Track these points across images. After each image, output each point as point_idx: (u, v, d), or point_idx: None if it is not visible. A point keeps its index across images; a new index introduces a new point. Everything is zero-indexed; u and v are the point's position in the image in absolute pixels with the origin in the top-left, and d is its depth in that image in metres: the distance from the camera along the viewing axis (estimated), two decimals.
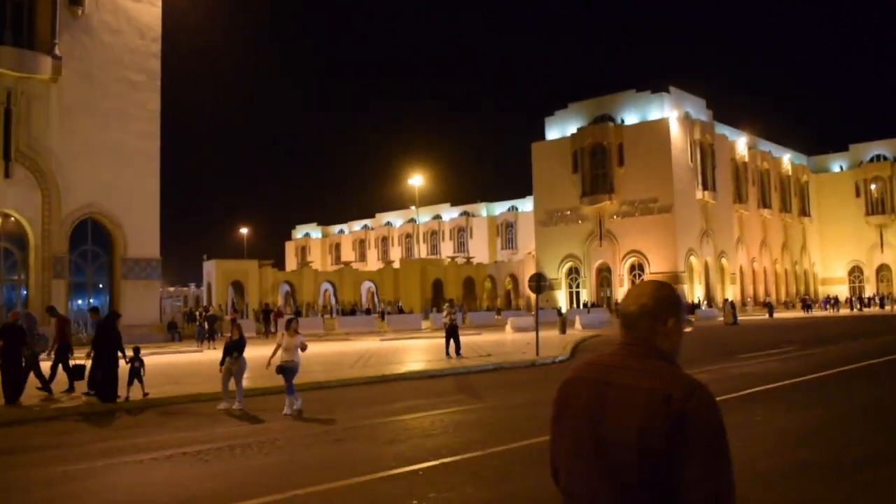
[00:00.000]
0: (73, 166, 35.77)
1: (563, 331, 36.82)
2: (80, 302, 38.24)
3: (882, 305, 70.47)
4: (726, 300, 58.14)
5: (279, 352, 13.49)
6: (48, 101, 35.51)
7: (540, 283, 23.71)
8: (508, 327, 41.15)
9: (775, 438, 9.99)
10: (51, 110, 35.61)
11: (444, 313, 25.64)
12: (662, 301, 2.41)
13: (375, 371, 19.97)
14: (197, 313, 40.51)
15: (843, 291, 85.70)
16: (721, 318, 52.53)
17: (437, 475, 8.23)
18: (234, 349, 13.73)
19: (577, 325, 42.88)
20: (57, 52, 35.44)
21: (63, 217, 35.74)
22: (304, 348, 13.47)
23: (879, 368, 19.28)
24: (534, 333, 25.68)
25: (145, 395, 14.97)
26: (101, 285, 38.52)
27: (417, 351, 28.23)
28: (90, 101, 36.68)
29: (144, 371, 15.08)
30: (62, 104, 35.86)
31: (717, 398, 2.25)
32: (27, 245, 35.30)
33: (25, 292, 35.47)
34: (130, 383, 14.79)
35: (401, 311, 60.75)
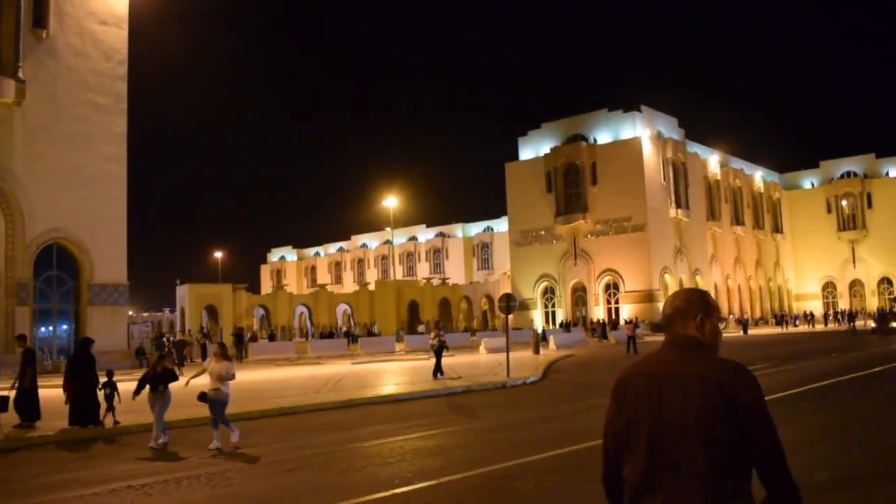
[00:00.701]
0: (37, 191, 35.07)
1: (536, 351, 36.52)
2: (50, 328, 37.44)
3: (849, 321, 70.48)
4: None
5: (205, 377, 12.40)
6: (12, 125, 34.83)
7: (509, 303, 23.49)
8: (482, 348, 40.84)
9: None
10: (14, 134, 34.92)
11: (433, 335, 25.82)
12: (691, 301, 2.79)
13: (342, 396, 19.55)
14: (164, 340, 39.72)
15: (817, 307, 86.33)
16: None
17: None
18: (161, 381, 12.63)
19: (552, 344, 42.65)
20: (21, 75, 34.79)
21: (27, 242, 34.94)
22: (231, 377, 12.20)
23: (851, 384, 19.21)
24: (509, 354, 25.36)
25: (100, 423, 14.53)
26: (67, 311, 37.71)
27: (388, 374, 27.83)
28: (55, 124, 36.03)
29: (119, 398, 14.54)
30: (26, 128, 35.19)
31: None
32: None
33: None
34: (109, 410, 14.58)
35: (370, 334, 59.91)
